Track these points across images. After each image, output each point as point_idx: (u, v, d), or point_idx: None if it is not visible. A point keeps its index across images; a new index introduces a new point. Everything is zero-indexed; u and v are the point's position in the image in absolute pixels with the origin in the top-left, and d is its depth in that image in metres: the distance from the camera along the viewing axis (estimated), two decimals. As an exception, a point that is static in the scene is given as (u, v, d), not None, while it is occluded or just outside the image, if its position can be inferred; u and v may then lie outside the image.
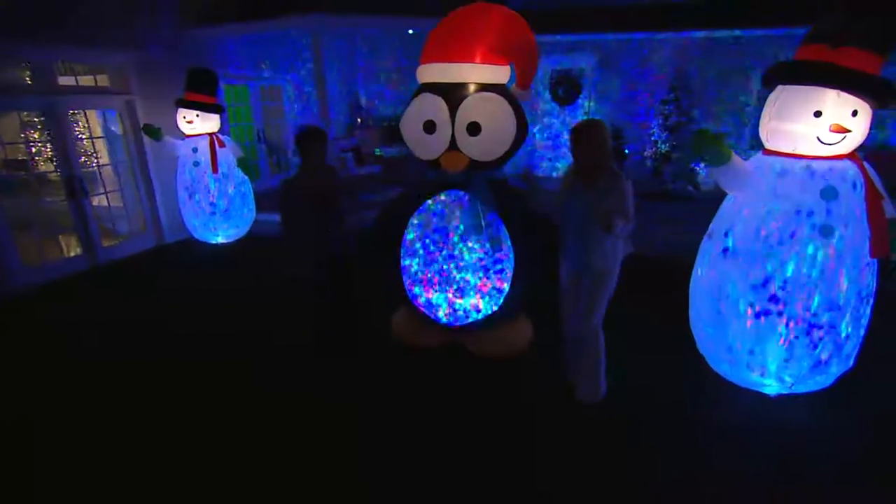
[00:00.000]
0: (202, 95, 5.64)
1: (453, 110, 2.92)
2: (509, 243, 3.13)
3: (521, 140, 3.11)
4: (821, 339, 2.57)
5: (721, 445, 2.65)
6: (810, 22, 2.56)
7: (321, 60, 6.49)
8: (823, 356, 2.62)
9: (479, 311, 3.27)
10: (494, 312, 3.28)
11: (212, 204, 5.87)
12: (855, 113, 2.38)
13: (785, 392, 2.81)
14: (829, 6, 2.44)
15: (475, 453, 2.63)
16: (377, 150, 9.75)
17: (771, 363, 2.70)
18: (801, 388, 2.76)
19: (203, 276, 5.40)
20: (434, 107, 2.94)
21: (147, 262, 5.95)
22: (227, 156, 5.90)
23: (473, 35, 2.87)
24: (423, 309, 3.38)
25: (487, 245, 3.10)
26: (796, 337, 2.59)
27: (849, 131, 2.37)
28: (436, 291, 3.27)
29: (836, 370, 2.70)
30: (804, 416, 2.81)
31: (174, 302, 4.67)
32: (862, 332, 2.68)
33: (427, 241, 3.20)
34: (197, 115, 5.64)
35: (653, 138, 7.99)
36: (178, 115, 5.70)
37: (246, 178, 6.15)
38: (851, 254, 2.49)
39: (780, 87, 2.58)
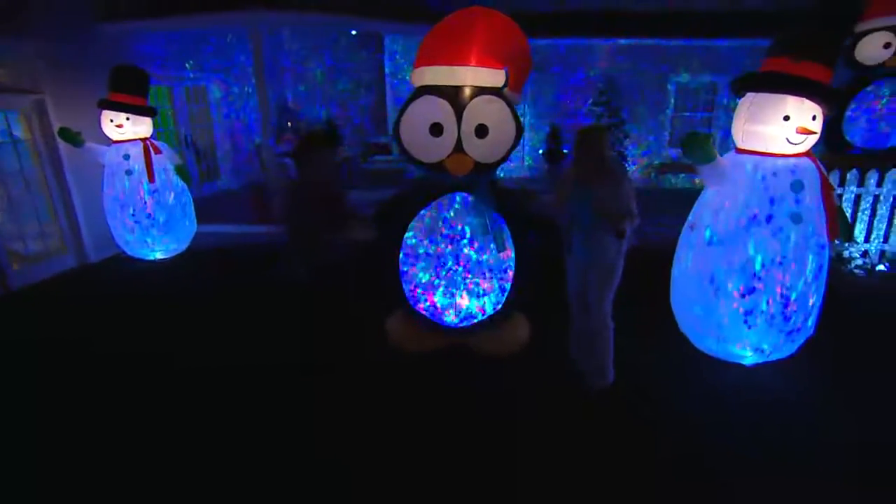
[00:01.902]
0: (133, 97, 5.07)
1: (459, 113, 2.94)
2: (511, 242, 3.21)
3: (518, 141, 3.21)
4: (794, 311, 2.97)
5: (709, 419, 2.87)
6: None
7: (262, 60, 6.13)
8: (794, 326, 3.02)
9: (484, 311, 3.32)
10: (498, 311, 3.34)
11: (148, 216, 5.30)
12: (814, 117, 2.79)
13: (760, 361, 3.20)
14: (788, 25, 2.84)
15: (477, 451, 2.65)
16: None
17: (752, 336, 3.06)
18: (775, 356, 3.16)
19: (141, 295, 4.79)
20: (440, 109, 2.94)
21: (69, 285, 5.22)
22: (164, 163, 5.36)
23: (476, 38, 2.91)
24: (426, 313, 3.35)
25: (492, 245, 3.15)
26: (773, 311, 2.97)
27: (814, 133, 2.77)
28: (442, 294, 3.27)
29: (801, 338, 3.12)
30: (779, 384, 3.19)
31: (104, 324, 4.19)
32: (820, 303, 3.13)
33: (431, 244, 3.19)
34: (127, 119, 5.06)
35: (587, 138, 8.55)
36: (102, 119, 5.07)
37: (185, 187, 5.64)
38: (814, 237, 2.91)
39: (750, 95, 2.93)
